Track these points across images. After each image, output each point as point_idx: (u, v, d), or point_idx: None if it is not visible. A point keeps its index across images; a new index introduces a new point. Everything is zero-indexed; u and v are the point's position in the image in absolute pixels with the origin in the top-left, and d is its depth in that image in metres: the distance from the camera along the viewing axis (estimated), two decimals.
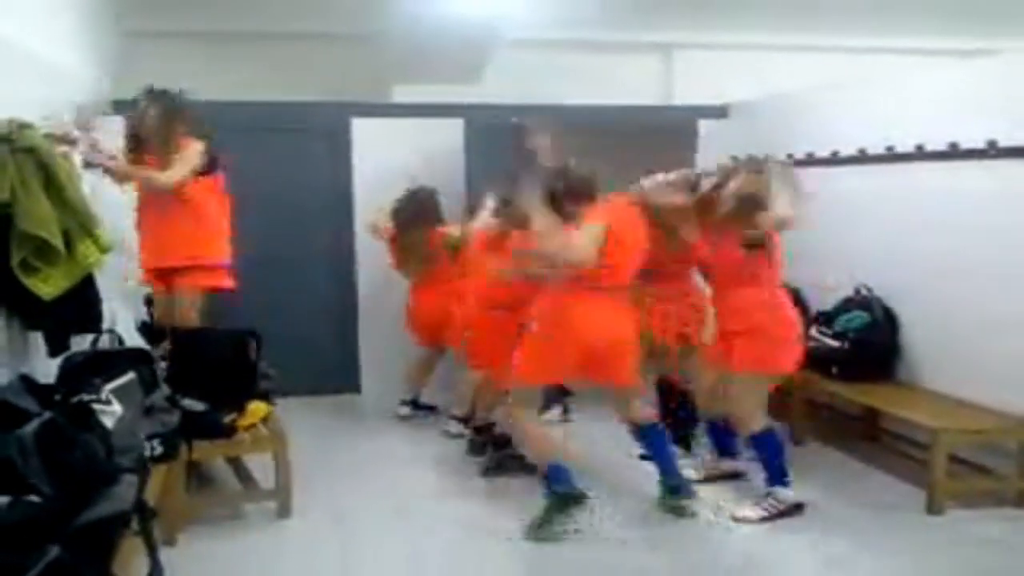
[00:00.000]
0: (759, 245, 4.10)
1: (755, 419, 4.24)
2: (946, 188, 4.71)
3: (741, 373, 4.20)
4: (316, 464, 4.71)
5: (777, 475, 4.22)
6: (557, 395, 5.66)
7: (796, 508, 4.18)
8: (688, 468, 4.54)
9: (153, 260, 4.61)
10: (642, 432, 4.28)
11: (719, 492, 4.45)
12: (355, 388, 6.34)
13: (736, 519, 4.14)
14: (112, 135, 4.53)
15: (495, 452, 4.80)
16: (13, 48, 3.59)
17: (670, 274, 4.45)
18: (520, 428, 4.19)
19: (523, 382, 4.08)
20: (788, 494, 4.19)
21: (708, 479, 4.63)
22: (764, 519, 4.12)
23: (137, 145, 4.51)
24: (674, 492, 4.21)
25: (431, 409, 5.87)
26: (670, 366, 4.61)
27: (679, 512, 4.18)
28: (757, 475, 4.37)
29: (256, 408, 4.10)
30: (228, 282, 4.72)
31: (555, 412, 5.71)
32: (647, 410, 4.34)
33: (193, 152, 4.46)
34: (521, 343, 4.06)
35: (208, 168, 4.54)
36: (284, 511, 4.10)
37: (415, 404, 5.84)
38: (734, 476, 4.65)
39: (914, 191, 4.93)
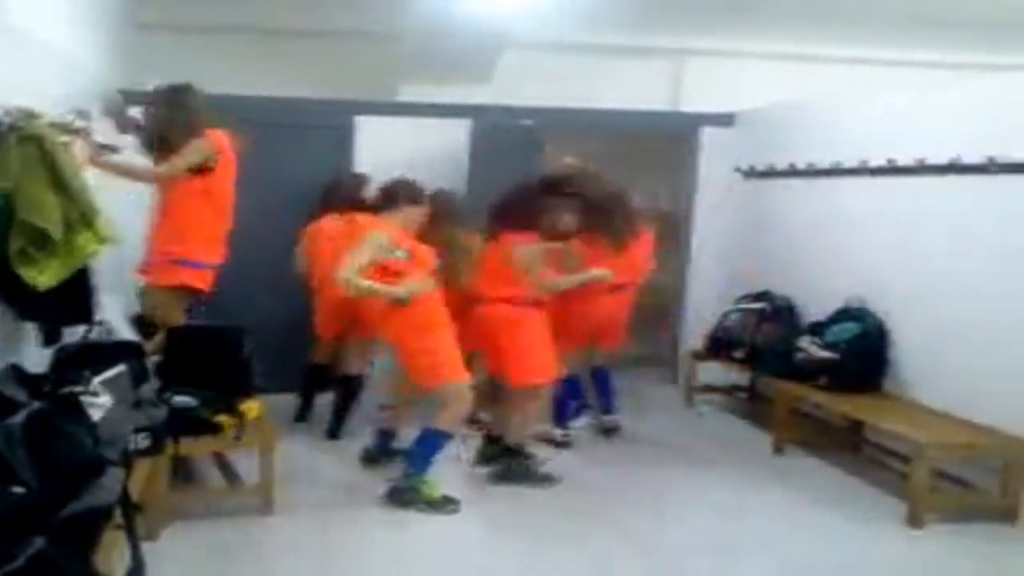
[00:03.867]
0: None
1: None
2: (945, 204, 4.73)
3: None
4: (300, 461, 4.74)
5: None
6: (583, 405, 5.70)
7: None
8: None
9: (142, 254, 4.56)
10: None
11: None
12: None
13: None
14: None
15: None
16: (24, 37, 3.60)
17: None
18: None
19: None
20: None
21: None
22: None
23: (160, 143, 4.43)
24: None
25: None
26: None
27: None
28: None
29: (249, 408, 4.08)
30: (199, 282, 4.51)
31: (583, 421, 5.72)
32: None
33: (189, 149, 4.36)
34: None
35: (205, 167, 4.41)
36: (266, 508, 4.11)
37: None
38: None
39: (914, 205, 4.95)
